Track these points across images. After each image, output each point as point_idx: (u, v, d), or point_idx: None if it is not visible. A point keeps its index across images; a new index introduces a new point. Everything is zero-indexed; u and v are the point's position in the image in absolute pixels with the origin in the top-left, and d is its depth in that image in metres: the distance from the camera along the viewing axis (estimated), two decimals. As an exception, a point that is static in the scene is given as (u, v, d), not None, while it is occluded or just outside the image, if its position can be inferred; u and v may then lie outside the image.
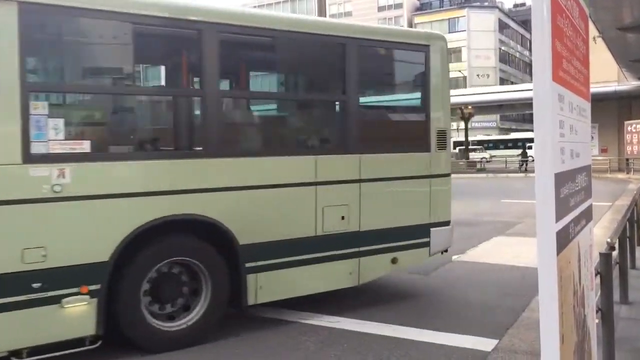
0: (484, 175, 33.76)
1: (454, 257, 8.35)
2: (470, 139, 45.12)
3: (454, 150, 49.14)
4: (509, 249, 8.99)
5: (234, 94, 6.18)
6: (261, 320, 5.44)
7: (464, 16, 68.80)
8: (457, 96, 39.01)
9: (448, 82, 6.33)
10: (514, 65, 76.99)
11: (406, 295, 6.43)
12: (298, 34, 5.45)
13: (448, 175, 6.29)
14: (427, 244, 6.02)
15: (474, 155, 44.32)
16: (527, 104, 37.22)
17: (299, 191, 5.26)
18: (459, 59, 68.89)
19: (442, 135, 6.13)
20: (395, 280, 7.05)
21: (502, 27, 72.87)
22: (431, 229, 6.03)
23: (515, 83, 62.66)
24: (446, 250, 6.36)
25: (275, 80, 6.30)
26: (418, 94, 6.47)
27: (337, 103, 6.05)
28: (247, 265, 4.92)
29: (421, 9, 72.84)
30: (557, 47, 1.94)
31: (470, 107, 37.86)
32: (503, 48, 72.86)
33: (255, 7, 79.82)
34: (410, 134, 6.49)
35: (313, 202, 5.32)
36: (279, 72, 6.47)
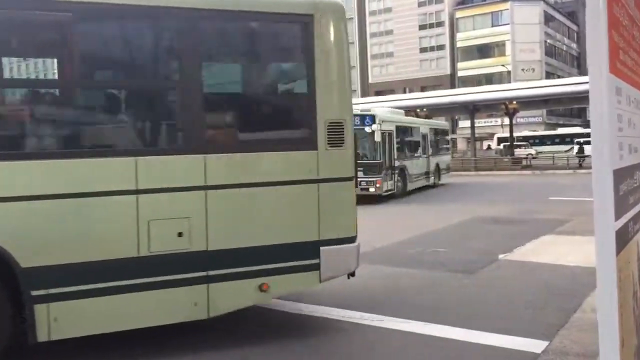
0: (529, 172, 32.89)
1: (501, 256, 8.18)
2: (515, 134, 44.10)
3: (498, 147, 48.23)
4: (557, 248, 8.72)
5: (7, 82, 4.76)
6: (305, 318, 5.46)
7: (508, 9, 67.19)
8: (501, 91, 38.15)
9: (346, 61, 5.00)
10: (560, 58, 74.71)
11: (451, 294, 6.32)
12: (106, 5, 4.31)
13: (349, 179, 4.93)
14: (316, 267, 4.75)
15: (519, 152, 43.25)
16: (575, 98, 36.10)
17: (109, 201, 4.18)
18: (502, 53, 67.38)
19: (337, 129, 4.82)
20: (439, 279, 6.96)
21: (548, 19, 70.82)
22: (322, 248, 4.75)
23: (562, 77, 60.82)
24: (353, 274, 5.14)
25: (78, 63, 4.78)
26: (299, 77, 5.16)
27: (168, 90, 4.86)
28: (35, 293, 3.97)
29: (463, 3, 71.49)
30: (614, 38, 1.86)
31: (514, 102, 36.92)
32: (549, 41, 70.82)
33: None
34: (285, 127, 5.19)
35: (133, 214, 4.21)
36: (80, 52, 4.72)
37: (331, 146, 4.81)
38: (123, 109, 4.91)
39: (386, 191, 17.23)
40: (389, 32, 75.13)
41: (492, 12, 68.74)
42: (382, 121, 17.03)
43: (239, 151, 4.67)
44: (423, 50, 72.94)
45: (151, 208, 4.29)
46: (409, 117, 24.54)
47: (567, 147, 42.20)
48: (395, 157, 18.19)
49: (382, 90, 69.63)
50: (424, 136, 21.77)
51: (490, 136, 58.93)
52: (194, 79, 4.53)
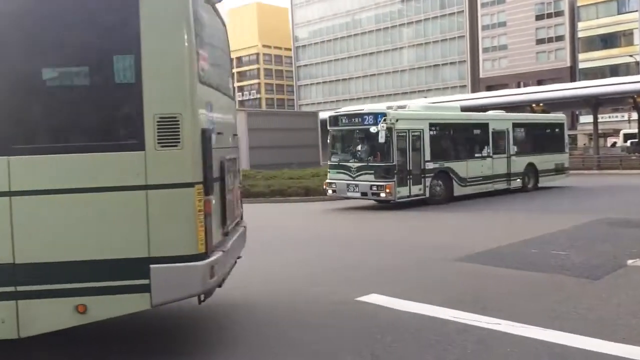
0: (661, 171, 30.00)
1: (629, 262, 7.57)
2: (644, 130, 40.46)
3: (625, 144, 44.50)
4: (696, 255, 7.91)
5: None
6: (414, 317, 5.42)
7: (637, -6, 61.72)
8: (628, 84, 35.15)
9: (187, 43, 4.10)
10: (699, 45, 67.42)
11: (572, 299, 5.95)
12: None
13: (188, 185, 4.09)
14: (146, 288, 4.03)
15: (649, 149, 39.57)
16: None
17: None
18: (630, 43, 62.12)
19: (170, 125, 4.03)
20: (559, 283, 6.59)
21: (685, 3, 64.18)
22: (152, 267, 4.02)
23: (702, 66, 54.83)
24: (203, 299, 4.54)
25: None
26: (122, 62, 4.26)
27: None
28: None
29: (585, -10, 66.80)
30: None
31: (644, 95, 33.85)
32: (686, 27, 64.14)
33: None
34: (104, 124, 4.30)
35: None
36: None
37: (162, 146, 4.04)
38: None
39: (404, 197, 15.50)
40: (502, 24, 72.03)
41: (618, -1, 63.60)
42: (396, 120, 15.27)
43: (51, 152, 4.03)
44: (540, 41, 69.14)
45: None
46: (470, 112, 21.53)
47: None
48: (429, 158, 16.18)
49: (494, 84, 66.97)
50: (499, 133, 18.80)
51: (616, 132, 54.64)
52: None
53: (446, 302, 5.83)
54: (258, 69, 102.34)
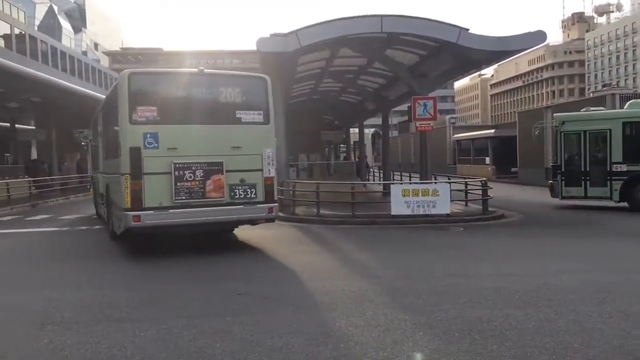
0: None
1: None
2: None
3: None
4: None
5: None
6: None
7: None
8: None
9: (123, 107, 9.11)
10: None
11: None
12: None
13: (123, 175, 9.03)
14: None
15: None
16: None
17: None
18: None
19: (120, 146, 9.24)
20: None
21: None
22: (124, 212, 9.02)
23: None
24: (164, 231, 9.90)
25: None
26: (115, 121, 9.57)
27: None
28: None
29: None
30: None
31: None
32: None
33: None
34: (116, 149, 9.75)
35: None
36: None
37: (121, 155, 9.16)
38: None
39: (577, 197, 16.01)
40: None
41: None
42: (562, 122, 16.00)
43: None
44: None
45: None
46: None
47: None
48: (620, 160, 15.30)
49: None
50: None
51: None
52: None
53: None
54: None
